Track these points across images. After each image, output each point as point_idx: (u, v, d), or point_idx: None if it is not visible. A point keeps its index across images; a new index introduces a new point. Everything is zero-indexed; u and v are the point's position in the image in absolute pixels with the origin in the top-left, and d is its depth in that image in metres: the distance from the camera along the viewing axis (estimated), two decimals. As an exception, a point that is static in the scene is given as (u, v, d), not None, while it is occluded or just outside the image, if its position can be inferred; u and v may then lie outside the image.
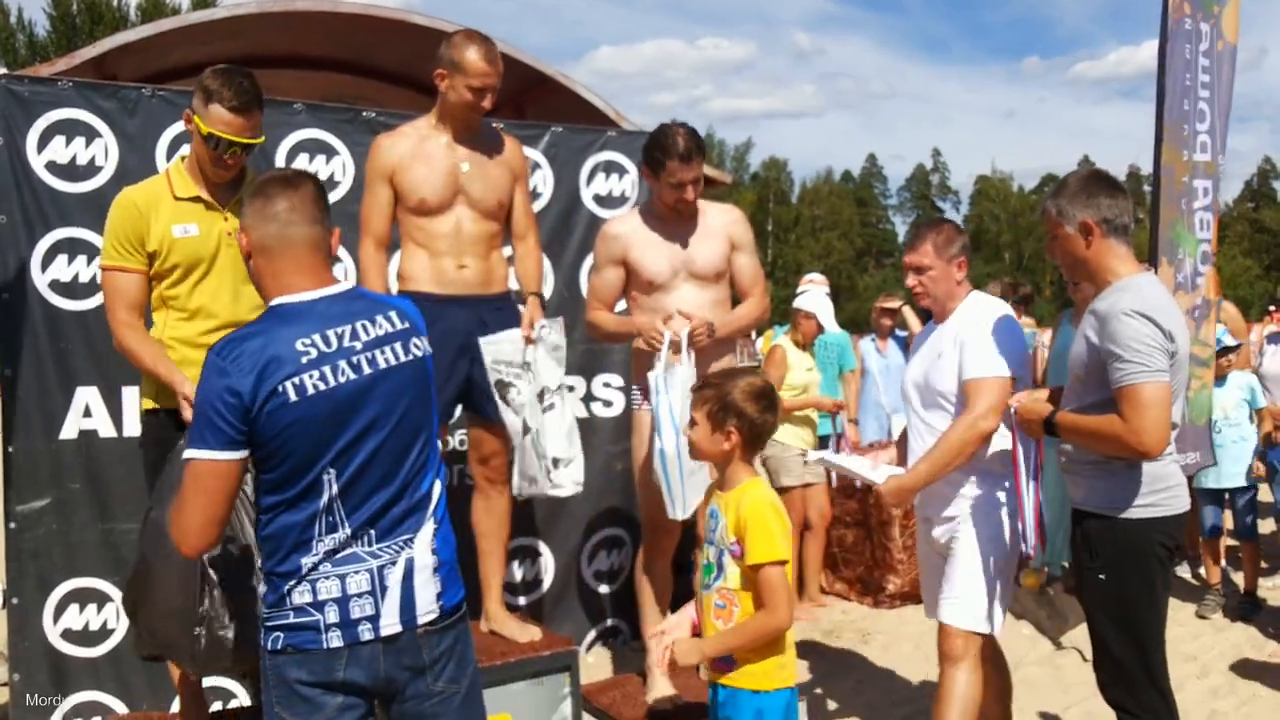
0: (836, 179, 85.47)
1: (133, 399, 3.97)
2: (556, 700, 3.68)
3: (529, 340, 3.62)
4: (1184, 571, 6.77)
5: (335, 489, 2.20)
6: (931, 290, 3.50)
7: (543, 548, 5.01)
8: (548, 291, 4.78)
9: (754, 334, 8.58)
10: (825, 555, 6.46)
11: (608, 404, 5.08)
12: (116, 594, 4.12)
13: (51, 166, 4.00)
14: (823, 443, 6.40)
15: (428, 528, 2.31)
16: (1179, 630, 5.65)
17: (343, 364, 2.19)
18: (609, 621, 5.22)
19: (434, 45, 3.65)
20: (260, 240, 2.25)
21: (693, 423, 2.86)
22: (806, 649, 5.59)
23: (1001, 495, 3.42)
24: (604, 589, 5.17)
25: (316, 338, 2.19)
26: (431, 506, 2.33)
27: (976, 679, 3.37)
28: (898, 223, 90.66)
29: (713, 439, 2.81)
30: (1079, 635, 5.50)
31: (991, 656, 3.55)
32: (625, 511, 5.14)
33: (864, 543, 6.45)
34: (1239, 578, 6.13)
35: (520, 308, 3.76)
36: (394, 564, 2.25)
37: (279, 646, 2.21)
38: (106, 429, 4.10)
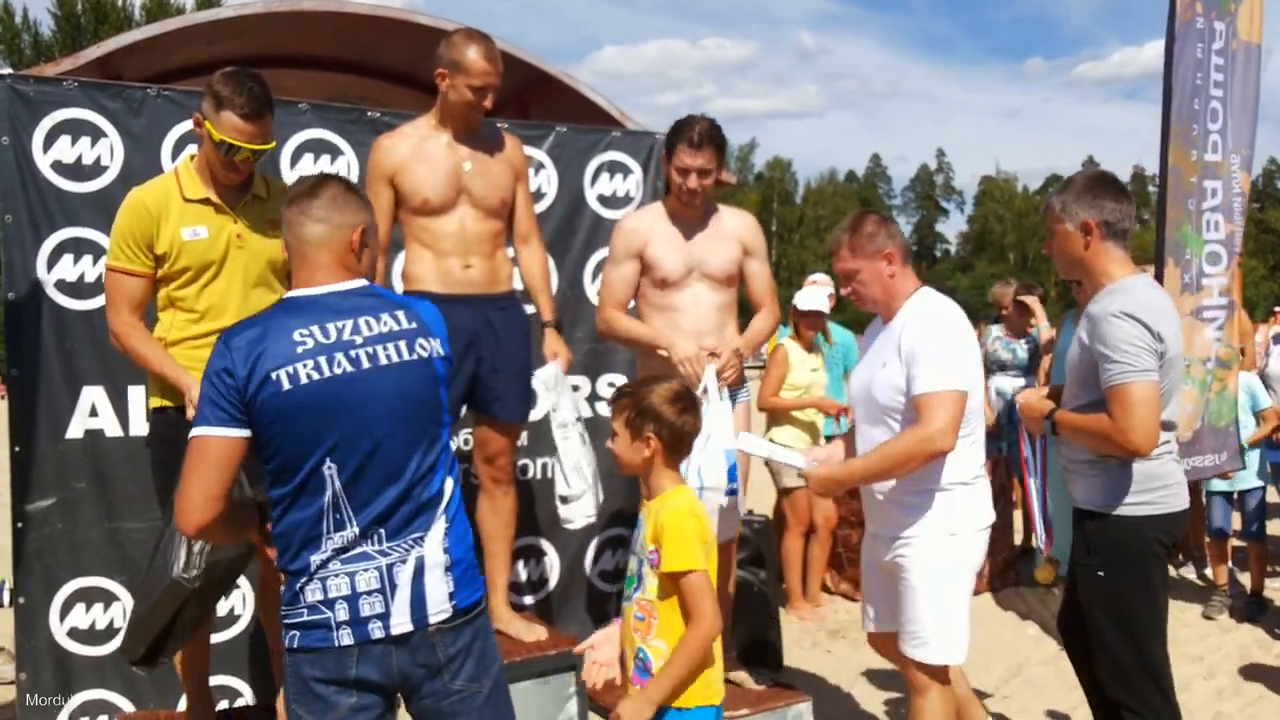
0: (840, 179, 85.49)
1: (139, 398, 3.97)
2: (562, 700, 3.69)
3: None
4: (1190, 572, 6.77)
5: (339, 484, 2.21)
6: (867, 295, 3.23)
7: (548, 547, 5.01)
8: (552, 290, 4.78)
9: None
10: (830, 555, 6.45)
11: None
12: (123, 593, 4.12)
13: (57, 166, 4.01)
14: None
15: (439, 526, 2.30)
16: (1185, 631, 5.64)
17: (339, 356, 2.21)
18: (613, 621, 5.21)
19: (438, 45, 3.65)
20: (285, 241, 2.38)
21: (613, 434, 2.80)
22: (812, 648, 5.59)
23: (955, 516, 3.16)
24: (609, 588, 5.17)
25: (315, 329, 2.22)
26: (442, 505, 2.32)
27: (949, 696, 3.26)
28: (902, 223, 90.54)
29: (632, 448, 2.75)
30: (1084, 636, 5.50)
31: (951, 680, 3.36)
32: (630, 511, 5.13)
33: (869, 543, 6.43)
34: (1246, 578, 6.12)
35: (526, 308, 3.78)
36: (404, 562, 2.25)
37: (295, 645, 2.25)
38: (113, 428, 4.11)
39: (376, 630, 2.22)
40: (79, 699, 4.09)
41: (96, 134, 4.05)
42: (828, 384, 6.26)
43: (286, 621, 2.26)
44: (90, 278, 4.03)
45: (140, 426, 3.97)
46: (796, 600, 6.21)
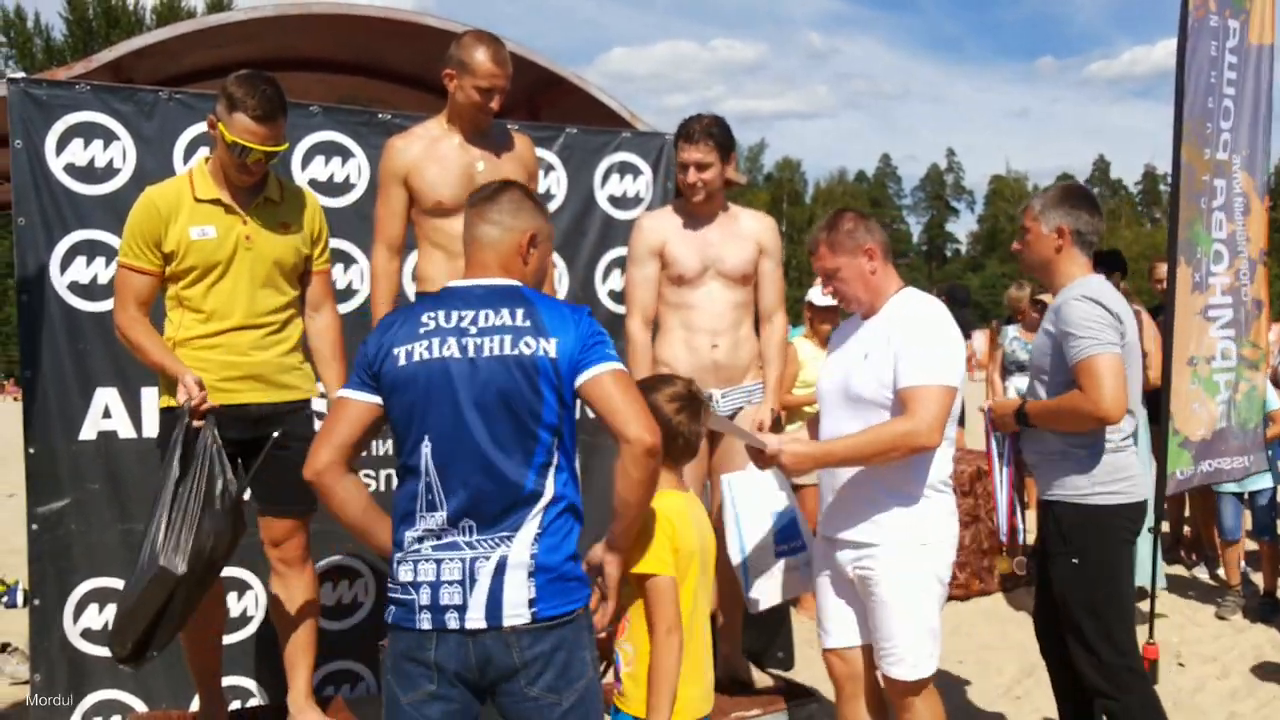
0: (850, 179, 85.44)
1: (151, 400, 3.99)
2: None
3: None
4: (1203, 573, 6.74)
5: (432, 465, 2.30)
6: (849, 292, 3.16)
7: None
8: (562, 292, 4.79)
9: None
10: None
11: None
12: (135, 594, 4.14)
13: (70, 169, 4.03)
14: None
15: (529, 528, 2.29)
16: (1199, 631, 5.62)
17: (451, 340, 2.31)
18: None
19: (448, 47, 3.65)
20: (463, 237, 2.52)
21: None
22: (819, 649, 5.57)
23: (927, 524, 3.06)
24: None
25: (441, 314, 2.35)
26: (538, 507, 2.30)
27: (933, 697, 3.17)
28: (912, 223, 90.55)
29: None
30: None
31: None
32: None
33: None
34: (1259, 578, 6.09)
35: None
36: (487, 559, 2.27)
37: (389, 619, 2.36)
38: (126, 430, 4.12)
39: (452, 621, 2.26)
40: (92, 699, 4.11)
41: (109, 137, 4.07)
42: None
43: (388, 594, 2.37)
44: (103, 279, 4.05)
45: (153, 428, 3.99)
46: (806, 600, 6.20)
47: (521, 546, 2.27)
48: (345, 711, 3.62)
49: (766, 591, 3.45)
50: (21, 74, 4.02)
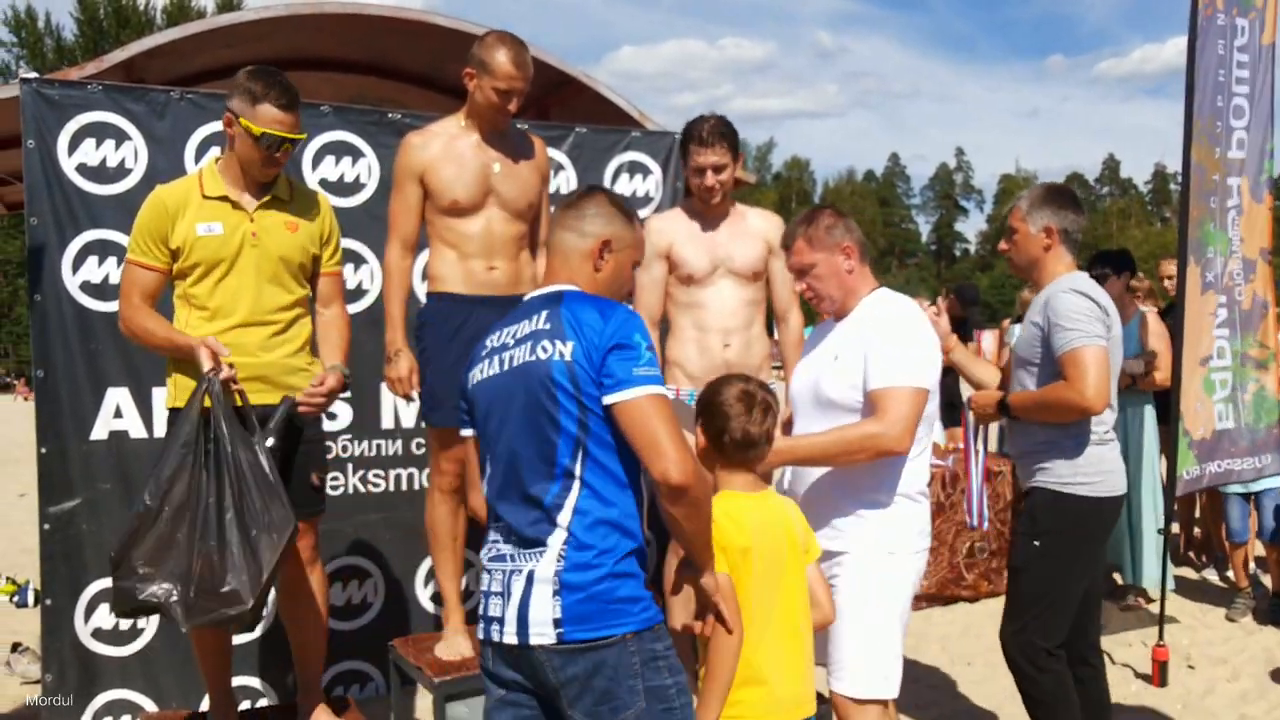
0: (859, 178, 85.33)
1: (162, 400, 4.00)
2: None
3: None
4: (1212, 575, 6.72)
5: (490, 481, 2.33)
6: (823, 290, 3.03)
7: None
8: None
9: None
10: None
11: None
12: (146, 593, 4.15)
13: (82, 169, 4.04)
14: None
15: (555, 544, 2.19)
16: (1209, 634, 5.61)
17: (496, 358, 2.32)
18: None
19: (457, 47, 3.66)
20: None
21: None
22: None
23: (896, 533, 2.92)
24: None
25: (499, 332, 2.37)
26: (558, 521, 2.19)
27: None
28: (921, 222, 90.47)
29: (697, 444, 2.66)
30: (1107, 638, 5.47)
31: None
32: (649, 514, 5.13)
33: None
34: (1269, 580, 6.07)
35: None
36: (519, 573, 2.22)
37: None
38: (137, 429, 4.14)
39: (495, 633, 2.26)
40: (103, 699, 4.13)
41: (120, 137, 4.09)
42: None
43: None
44: (115, 279, 4.06)
45: (164, 428, 4.00)
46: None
47: (548, 563, 2.18)
48: (355, 712, 3.63)
49: None
50: (34, 74, 4.03)
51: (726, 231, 3.94)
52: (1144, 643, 5.28)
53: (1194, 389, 4.58)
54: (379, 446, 4.56)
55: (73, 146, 4.02)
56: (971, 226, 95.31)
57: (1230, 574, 6.35)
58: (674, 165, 5.11)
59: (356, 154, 4.49)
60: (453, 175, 3.55)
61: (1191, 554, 7.12)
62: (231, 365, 3.11)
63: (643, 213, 5.03)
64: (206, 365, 3.08)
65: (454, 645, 3.63)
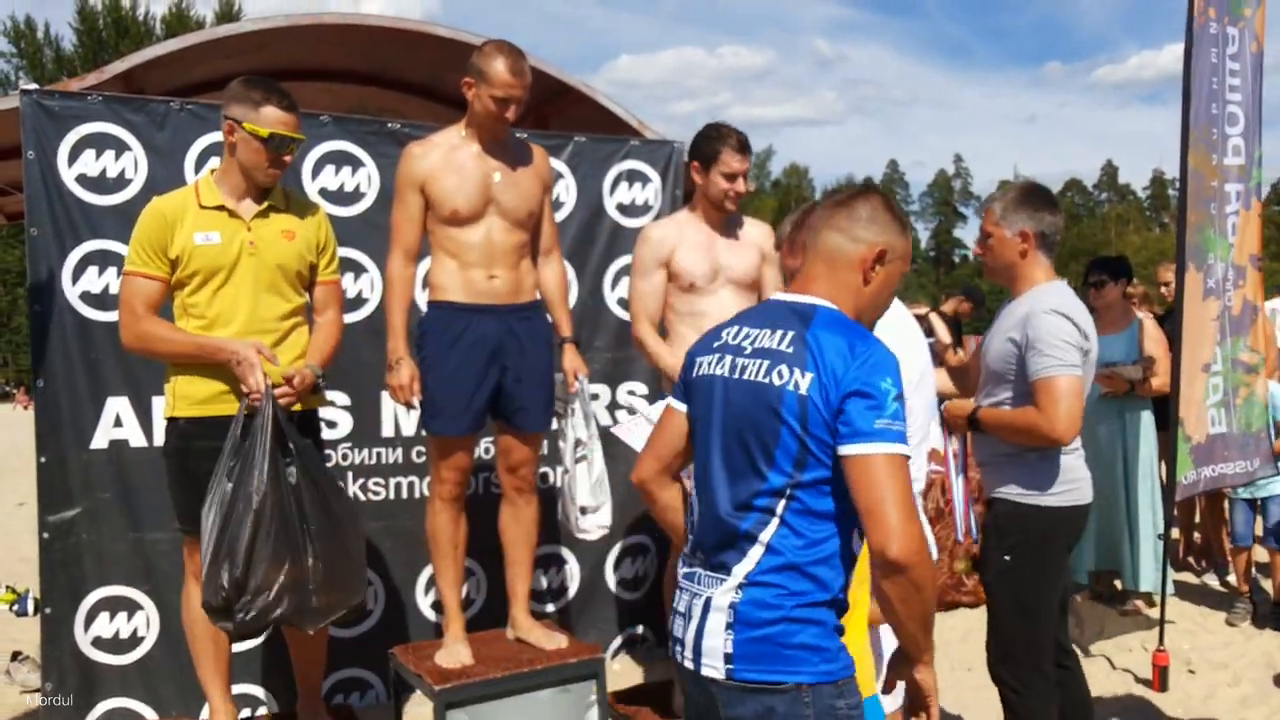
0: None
1: (162, 409, 4.01)
2: (584, 707, 3.69)
3: (571, 391, 3.82)
4: (1212, 579, 6.71)
5: (694, 486, 2.18)
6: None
7: (568, 555, 5.02)
8: (571, 300, 4.80)
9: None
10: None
11: (632, 412, 5.09)
12: (147, 602, 4.16)
13: (82, 179, 4.05)
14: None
15: (738, 573, 2.04)
16: (1209, 638, 5.60)
17: (726, 358, 2.14)
18: (633, 629, 5.22)
19: (456, 57, 3.67)
20: (806, 241, 2.25)
21: None
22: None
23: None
24: (629, 596, 5.17)
25: (736, 329, 2.18)
26: (748, 552, 2.03)
27: None
28: (920, 229, 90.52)
29: None
30: (1108, 643, 5.47)
31: None
32: (650, 519, 5.13)
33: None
34: (1269, 585, 6.07)
35: (548, 317, 3.81)
36: (699, 596, 2.09)
37: None
38: (137, 439, 4.14)
39: (678, 654, 2.14)
40: (103, 707, 4.13)
41: (120, 147, 4.10)
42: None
43: None
44: (115, 289, 4.07)
45: (164, 438, 4.01)
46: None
47: (726, 591, 2.04)
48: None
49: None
50: (34, 85, 4.05)
51: (725, 240, 3.97)
52: (1144, 647, 5.28)
53: (1195, 395, 4.58)
54: (379, 454, 4.56)
55: (73, 157, 4.03)
56: (970, 233, 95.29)
57: (1230, 578, 6.35)
58: (673, 174, 5.13)
59: (356, 163, 4.51)
60: (453, 185, 3.56)
61: (1191, 559, 7.12)
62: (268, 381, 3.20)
63: (642, 222, 5.05)
64: (255, 375, 3.14)
65: (454, 653, 3.64)
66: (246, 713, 4.19)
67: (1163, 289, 6.74)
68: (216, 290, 3.29)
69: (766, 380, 2.02)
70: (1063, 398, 3.04)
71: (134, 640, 4.18)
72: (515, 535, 3.85)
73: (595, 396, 4.90)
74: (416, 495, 4.58)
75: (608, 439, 4.11)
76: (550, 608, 4.97)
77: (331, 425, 4.40)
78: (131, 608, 4.16)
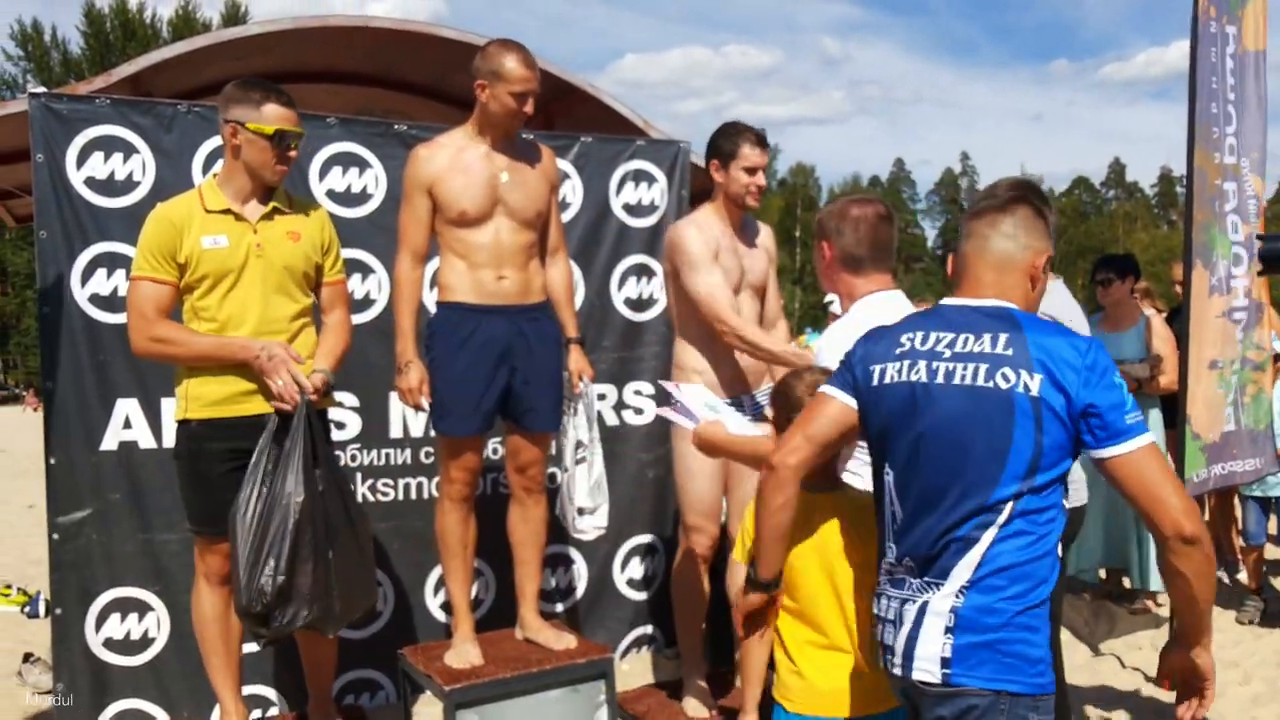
0: (864, 184, 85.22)
1: (172, 410, 4.02)
2: (593, 707, 3.69)
3: (576, 391, 3.82)
4: (1222, 576, 6.70)
5: (894, 494, 2.15)
6: (825, 286, 3.12)
7: (576, 555, 5.03)
8: (578, 300, 4.80)
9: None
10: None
11: (639, 412, 5.09)
12: (157, 603, 4.18)
13: (90, 182, 4.07)
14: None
15: (958, 578, 2.03)
16: (1219, 636, 5.59)
17: (921, 364, 2.11)
18: (642, 629, 5.22)
19: (463, 58, 3.67)
20: (959, 248, 2.26)
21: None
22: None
23: None
24: (638, 596, 5.17)
25: (920, 334, 2.15)
26: (971, 557, 2.02)
27: None
28: (927, 227, 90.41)
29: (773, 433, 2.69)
30: (1117, 641, 5.46)
31: None
32: (658, 519, 5.15)
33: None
34: (1279, 583, 6.06)
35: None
36: (913, 602, 2.08)
37: None
38: (146, 440, 4.16)
39: (886, 660, 2.13)
40: (114, 709, 4.14)
41: (128, 150, 4.11)
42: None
43: None
44: (124, 291, 4.07)
45: (174, 440, 4.02)
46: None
47: (945, 597, 2.03)
48: None
49: None
50: (42, 89, 4.06)
51: (745, 243, 3.94)
52: (1153, 645, 5.27)
53: (1203, 393, 4.57)
54: (388, 455, 4.58)
55: (81, 160, 4.04)
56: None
57: (1241, 576, 6.33)
58: (679, 173, 5.12)
59: (363, 165, 4.52)
60: (460, 186, 3.56)
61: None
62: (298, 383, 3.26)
63: (648, 222, 5.05)
64: (283, 372, 3.19)
65: (463, 653, 3.64)
66: (258, 714, 4.20)
67: (1176, 287, 6.72)
68: (226, 293, 3.30)
69: (990, 384, 2.01)
70: None
71: (145, 641, 4.19)
72: (524, 535, 3.85)
73: (602, 396, 4.90)
74: (425, 496, 4.59)
75: (608, 440, 4.12)
76: (559, 608, 4.98)
77: (340, 426, 4.40)
78: (142, 609, 4.18)
